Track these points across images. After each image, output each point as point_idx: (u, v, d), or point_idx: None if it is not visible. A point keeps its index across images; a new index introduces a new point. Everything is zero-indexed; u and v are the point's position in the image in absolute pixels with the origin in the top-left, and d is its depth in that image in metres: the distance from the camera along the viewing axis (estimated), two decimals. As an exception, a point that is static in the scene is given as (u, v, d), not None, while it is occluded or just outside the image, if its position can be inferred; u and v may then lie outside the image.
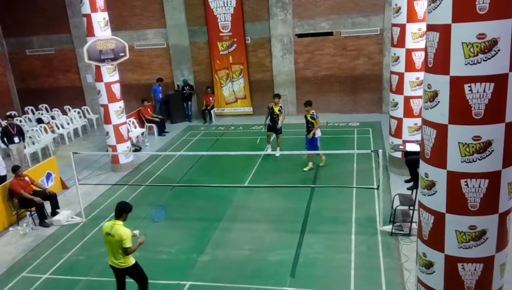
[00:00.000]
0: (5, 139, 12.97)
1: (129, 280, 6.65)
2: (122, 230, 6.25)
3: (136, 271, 6.57)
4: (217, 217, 9.66)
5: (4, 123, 14.67)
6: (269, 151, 13.12)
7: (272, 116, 12.90)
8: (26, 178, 10.17)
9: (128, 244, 6.23)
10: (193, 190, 10.86)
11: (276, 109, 12.99)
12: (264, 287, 7.25)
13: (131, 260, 6.45)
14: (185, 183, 11.48)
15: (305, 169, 11.62)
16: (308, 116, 11.36)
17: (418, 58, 9.96)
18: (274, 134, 13.10)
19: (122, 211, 6.37)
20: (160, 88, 17.39)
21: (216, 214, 9.78)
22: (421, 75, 9.56)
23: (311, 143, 11.50)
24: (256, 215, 9.75)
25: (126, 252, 6.29)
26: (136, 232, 6.60)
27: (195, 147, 14.49)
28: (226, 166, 12.58)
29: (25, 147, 13.58)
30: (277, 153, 12.27)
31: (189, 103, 17.72)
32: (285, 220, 9.44)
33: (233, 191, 10.79)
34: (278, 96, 13.24)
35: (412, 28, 9.87)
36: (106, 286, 7.52)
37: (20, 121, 16.52)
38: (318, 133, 11.51)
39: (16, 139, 12.88)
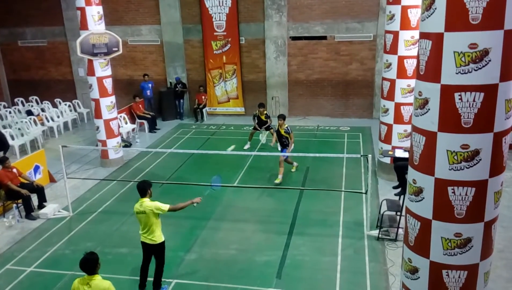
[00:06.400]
0: None
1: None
2: (151, 203, 6.74)
3: (161, 250, 7.00)
4: (205, 216, 9.65)
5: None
6: (246, 147, 13.85)
7: (259, 121, 13.63)
8: (14, 170, 10.09)
9: (164, 207, 6.74)
10: (182, 188, 10.82)
11: (262, 117, 13.41)
12: (250, 288, 7.26)
13: (161, 238, 6.92)
14: (175, 181, 11.45)
15: (276, 181, 11.08)
16: (282, 131, 11.18)
17: (410, 65, 10.05)
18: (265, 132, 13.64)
19: (144, 189, 6.84)
20: (150, 85, 17.33)
21: (204, 213, 9.76)
22: (412, 82, 9.67)
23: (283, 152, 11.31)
24: (245, 215, 9.76)
25: (171, 210, 6.80)
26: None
27: (186, 145, 14.46)
28: (216, 165, 12.56)
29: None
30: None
31: (181, 101, 17.70)
32: (273, 221, 9.47)
33: (222, 190, 10.76)
34: (262, 105, 13.73)
35: (405, 36, 9.95)
36: (91, 282, 7.49)
37: (10, 112, 16.37)
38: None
39: None
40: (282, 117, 11.35)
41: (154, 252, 7.05)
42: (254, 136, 13.94)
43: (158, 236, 6.90)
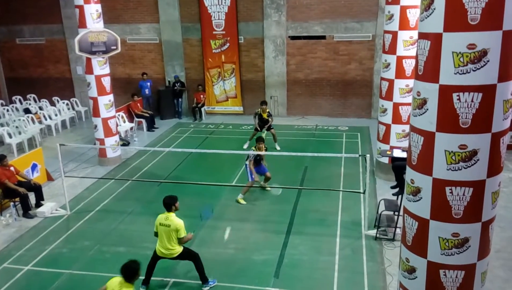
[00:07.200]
0: None
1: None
2: (177, 220, 6.94)
3: (186, 254, 7.18)
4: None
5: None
6: (245, 146, 13.74)
7: (261, 119, 13.48)
8: (11, 168, 10.06)
9: (183, 234, 6.95)
10: (181, 187, 10.79)
11: (264, 115, 13.32)
12: (248, 287, 7.27)
13: (180, 248, 7.09)
14: (173, 180, 11.43)
15: (267, 188, 10.65)
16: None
17: (409, 65, 10.06)
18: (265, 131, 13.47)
19: (169, 204, 7.04)
20: (148, 84, 17.33)
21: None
22: (410, 82, 9.66)
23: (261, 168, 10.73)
24: (243, 215, 9.76)
25: (181, 241, 6.99)
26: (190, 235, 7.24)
27: (184, 144, 14.45)
28: (214, 164, 12.57)
29: None
30: (277, 147, 13.10)
31: (180, 99, 17.69)
32: (271, 220, 9.47)
33: (220, 189, 10.78)
34: (265, 103, 13.72)
35: (404, 36, 9.96)
36: (88, 280, 7.49)
37: (8, 110, 16.33)
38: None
39: None
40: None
41: (181, 259, 7.24)
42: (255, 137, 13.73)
43: (177, 248, 7.04)
